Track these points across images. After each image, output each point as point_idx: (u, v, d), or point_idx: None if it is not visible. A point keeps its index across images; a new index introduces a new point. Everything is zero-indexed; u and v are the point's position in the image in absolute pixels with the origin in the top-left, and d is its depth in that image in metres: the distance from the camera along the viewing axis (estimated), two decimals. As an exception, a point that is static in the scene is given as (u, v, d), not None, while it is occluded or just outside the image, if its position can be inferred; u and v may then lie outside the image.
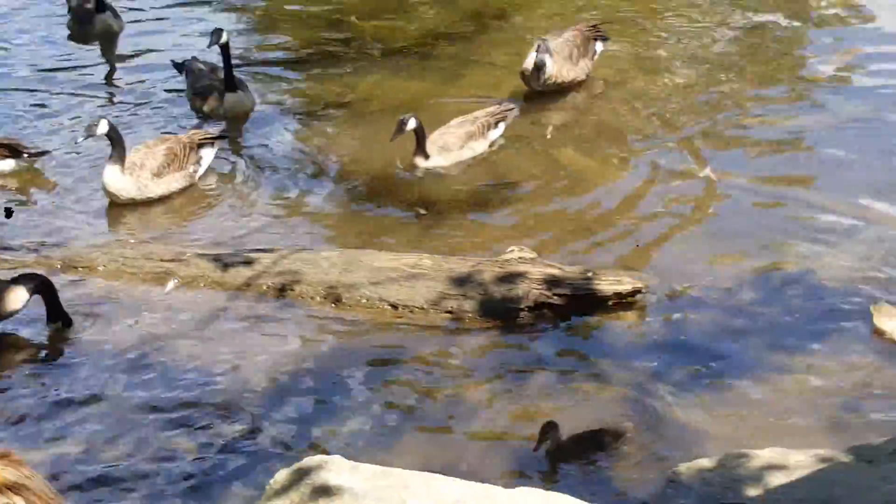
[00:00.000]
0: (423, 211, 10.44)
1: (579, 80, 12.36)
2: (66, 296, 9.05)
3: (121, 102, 12.86)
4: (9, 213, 8.76)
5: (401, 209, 10.62)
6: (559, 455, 7.18)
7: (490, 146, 11.38)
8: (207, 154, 11.25)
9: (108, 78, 13.55)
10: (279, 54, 14.08)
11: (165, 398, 8.05)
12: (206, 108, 12.47)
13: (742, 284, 8.96)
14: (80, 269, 9.79)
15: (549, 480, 6.92)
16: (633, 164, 11.03)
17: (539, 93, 12.24)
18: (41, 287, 8.77)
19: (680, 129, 11.63)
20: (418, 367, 8.35)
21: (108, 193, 10.84)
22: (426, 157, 11.03)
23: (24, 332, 8.92)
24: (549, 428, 7.19)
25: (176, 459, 7.40)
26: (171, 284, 9.49)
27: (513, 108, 11.54)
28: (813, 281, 8.94)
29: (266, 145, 11.91)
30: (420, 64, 13.40)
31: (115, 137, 10.64)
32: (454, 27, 14.23)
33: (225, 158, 11.60)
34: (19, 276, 8.86)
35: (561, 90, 12.27)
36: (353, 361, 8.46)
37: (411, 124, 10.84)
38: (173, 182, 10.99)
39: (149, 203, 10.89)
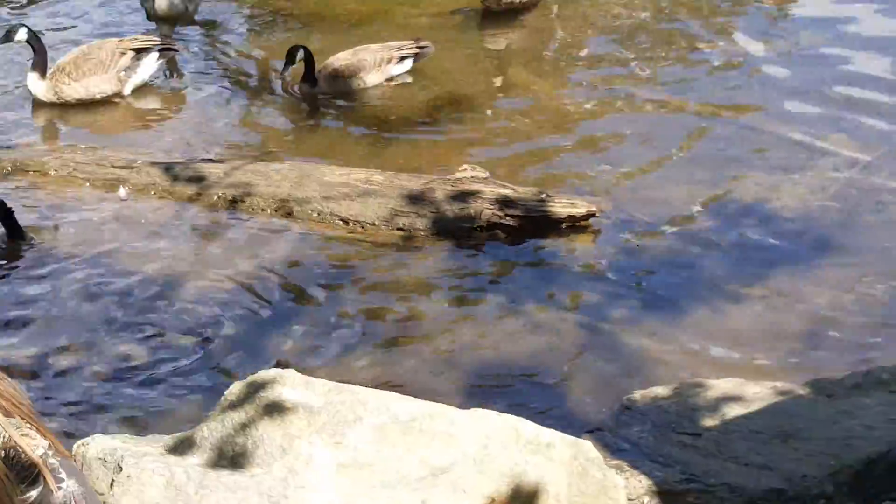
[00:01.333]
0: None
1: (534, 2, 12.20)
2: (17, 201, 8.92)
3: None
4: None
5: (352, 125, 10.46)
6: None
7: (389, 81, 11.07)
8: (147, 63, 10.91)
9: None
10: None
11: (117, 309, 7.92)
12: (146, 7, 12.36)
13: (698, 212, 8.91)
14: (30, 172, 9.62)
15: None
16: (586, 88, 10.90)
17: (493, 12, 12.06)
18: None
19: (632, 53, 11.51)
20: (371, 284, 8.26)
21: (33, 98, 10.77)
22: (313, 84, 10.83)
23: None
24: None
25: (128, 371, 7.29)
26: (122, 191, 9.31)
27: (427, 47, 11.14)
28: (769, 210, 8.90)
29: (212, 54, 11.69)
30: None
31: (34, 45, 10.58)
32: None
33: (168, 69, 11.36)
34: None
35: (515, 10, 12.10)
36: (305, 276, 8.35)
37: (300, 55, 10.67)
38: (92, 87, 10.72)
39: (79, 107, 10.69)
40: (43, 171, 9.62)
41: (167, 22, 12.27)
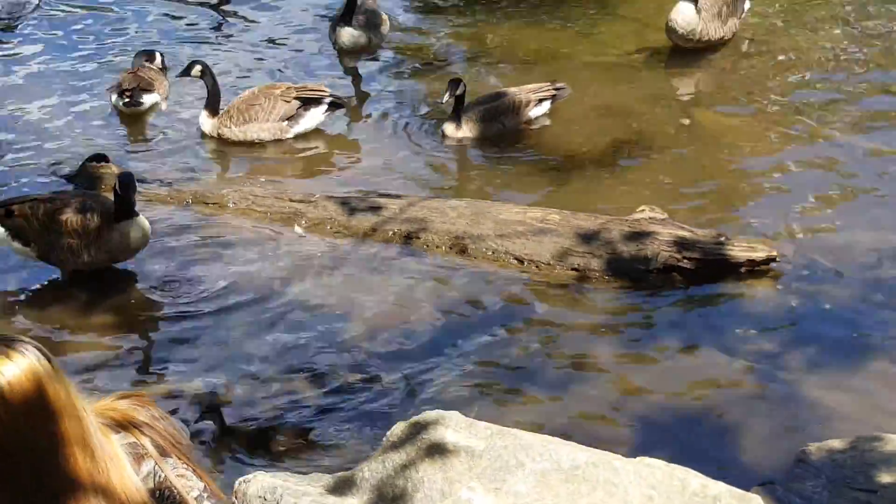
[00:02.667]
0: None
1: (726, 39, 11.97)
2: (193, 232, 9.23)
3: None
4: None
5: (529, 162, 10.42)
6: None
7: (528, 123, 10.87)
8: (313, 115, 10.93)
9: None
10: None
11: (286, 341, 8.04)
12: (332, 39, 12.61)
13: (883, 259, 8.60)
14: (210, 204, 9.85)
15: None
16: (773, 130, 10.63)
17: (682, 49, 11.89)
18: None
19: (824, 94, 11.20)
20: (541, 324, 8.20)
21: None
22: (458, 126, 10.66)
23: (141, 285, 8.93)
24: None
25: (294, 406, 7.38)
26: (299, 228, 9.45)
27: (564, 88, 10.95)
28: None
29: (388, 90, 11.82)
30: (555, 15, 13.11)
31: (207, 82, 10.86)
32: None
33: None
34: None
35: (706, 48, 11.89)
36: (475, 315, 8.34)
37: (461, 89, 10.54)
38: (251, 133, 10.86)
39: (253, 144, 10.90)
40: (222, 204, 9.83)
41: (350, 54, 12.46)
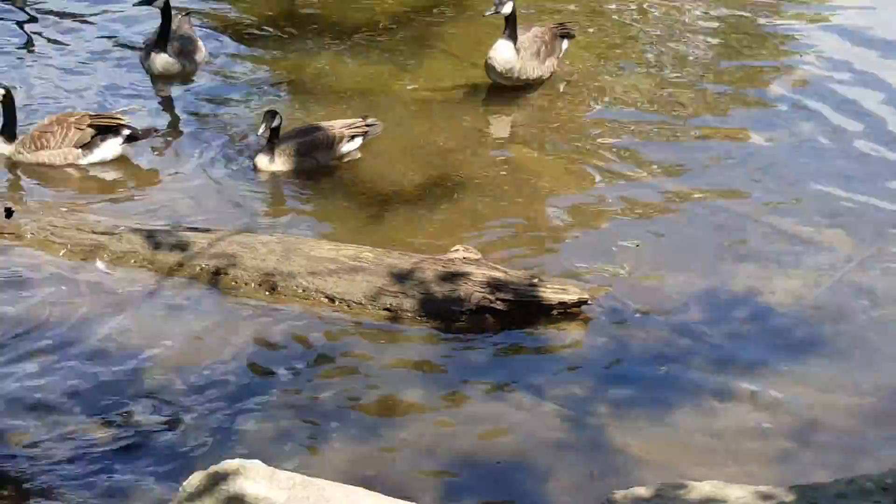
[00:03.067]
0: None
1: (544, 79, 12.04)
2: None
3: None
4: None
5: (344, 198, 10.29)
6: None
7: (340, 158, 10.79)
8: (109, 146, 10.76)
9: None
10: (233, 25, 13.66)
11: (81, 382, 7.73)
12: (145, 65, 12.42)
13: (690, 302, 8.69)
14: (5, 234, 9.45)
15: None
16: (588, 169, 10.68)
17: (501, 87, 11.91)
18: None
19: (638, 135, 11.32)
20: (351, 366, 8.05)
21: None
22: (271, 160, 10.53)
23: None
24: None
25: (88, 449, 7.07)
26: (101, 264, 9.12)
27: (375, 125, 10.92)
28: (761, 305, 8.70)
29: (202, 119, 11.57)
30: (374, 47, 13.02)
31: (7, 107, 10.72)
32: (415, 10, 13.82)
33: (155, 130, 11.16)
34: None
35: (524, 86, 11.94)
36: (283, 356, 8.16)
37: (276, 121, 10.43)
38: (43, 158, 10.67)
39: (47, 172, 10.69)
40: (19, 234, 9.41)
41: (164, 81, 12.21)
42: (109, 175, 10.75)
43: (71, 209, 9.89)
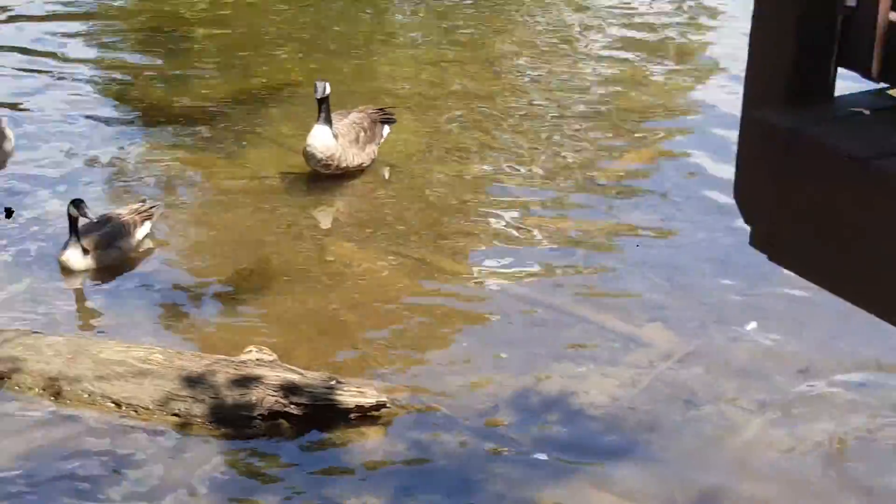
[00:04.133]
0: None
1: (365, 166, 11.64)
2: None
3: None
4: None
5: (149, 292, 9.75)
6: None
7: (138, 247, 10.25)
8: None
9: None
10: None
11: None
12: None
13: (499, 404, 8.28)
14: None
15: None
16: (406, 262, 10.23)
17: (320, 175, 11.48)
18: None
19: (452, 226, 10.92)
20: (130, 478, 7.50)
21: None
22: (84, 253, 9.88)
23: None
24: None
25: None
26: None
27: (158, 206, 10.52)
28: (574, 406, 8.31)
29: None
30: (193, 134, 12.51)
31: None
32: (240, 96, 13.36)
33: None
34: None
35: (344, 174, 11.52)
36: (63, 469, 7.60)
37: (75, 212, 9.73)
38: None
39: None
40: None
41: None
42: None
43: None
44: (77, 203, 9.79)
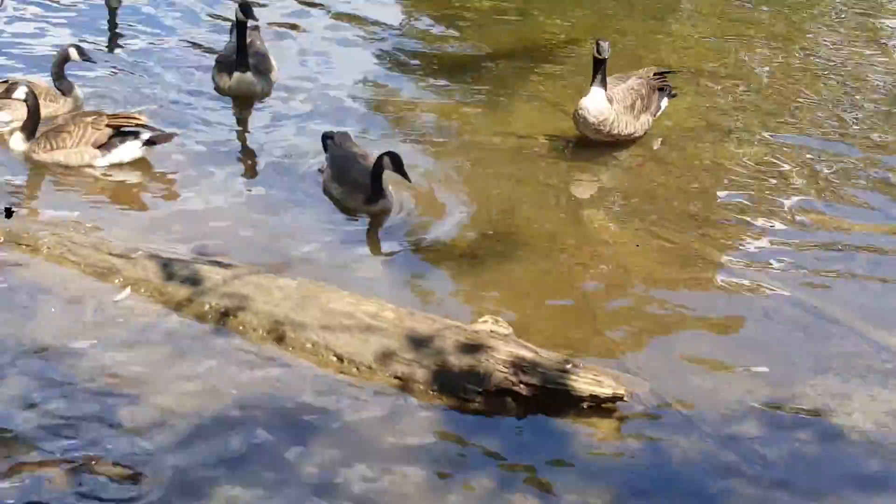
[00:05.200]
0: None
1: (636, 136, 10.89)
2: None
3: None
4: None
5: (374, 244, 9.38)
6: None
7: None
8: (127, 148, 10.23)
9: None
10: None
11: (56, 415, 6.99)
12: (219, 83, 11.82)
13: (747, 413, 7.45)
14: (22, 246, 8.77)
15: None
16: (666, 245, 9.48)
17: (587, 141, 10.79)
18: None
19: (721, 213, 10.08)
20: (347, 440, 7.03)
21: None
22: (377, 198, 9.67)
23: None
24: None
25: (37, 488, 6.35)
26: (122, 294, 8.30)
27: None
28: (833, 427, 7.40)
29: (273, 141, 10.80)
30: (466, 88, 12.02)
31: (30, 104, 10.20)
32: (512, 49, 12.77)
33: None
34: None
35: (615, 143, 10.80)
36: (276, 416, 7.20)
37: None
38: (58, 158, 10.16)
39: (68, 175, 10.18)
40: (35, 247, 8.73)
41: (237, 100, 11.51)
42: (128, 180, 10.20)
43: (94, 226, 9.15)
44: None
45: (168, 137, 10.35)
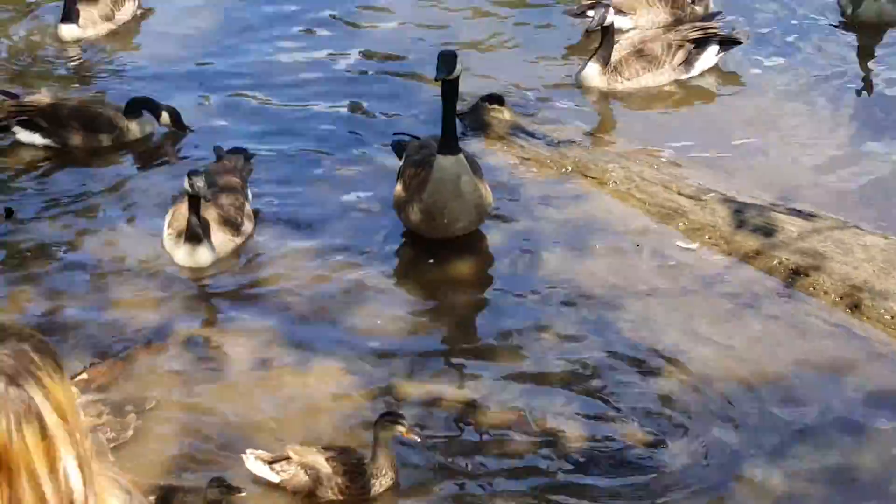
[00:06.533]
0: None
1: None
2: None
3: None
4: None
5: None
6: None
7: None
8: (706, 57, 9.49)
9: None
10: None
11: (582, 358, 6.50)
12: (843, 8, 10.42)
13: None
14: (589, 178, 8.19)
15: None
16: None
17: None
18: None
19: None
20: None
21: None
22: None
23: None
24: None
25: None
26: (686, 243, 7.51)
27: None
28: None
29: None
30: None
31: (604, 36, 9.26)
32: None
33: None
34: None
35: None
36: (832, 397, 6.17)
37: None
38: (643, 83, 9.38)
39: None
40: (602, 181, 8.12)
41: (871, 29, 10.13)
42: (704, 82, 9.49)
43: (669, 161, 8.36)
44: None
45: (740, 41, 9.65)
